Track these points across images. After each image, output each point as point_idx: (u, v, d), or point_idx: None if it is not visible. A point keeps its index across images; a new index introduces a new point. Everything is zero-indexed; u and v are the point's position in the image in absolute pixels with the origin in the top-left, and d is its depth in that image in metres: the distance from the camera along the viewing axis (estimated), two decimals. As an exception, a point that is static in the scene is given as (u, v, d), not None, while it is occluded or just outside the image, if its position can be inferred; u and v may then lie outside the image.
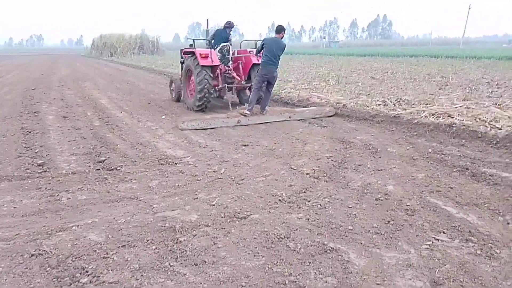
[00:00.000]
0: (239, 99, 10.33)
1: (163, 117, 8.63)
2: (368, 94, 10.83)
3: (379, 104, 9.24)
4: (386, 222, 3.44)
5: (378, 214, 3.60)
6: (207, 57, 8.74)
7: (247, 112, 8.11)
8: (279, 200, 3.92)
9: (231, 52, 9.71)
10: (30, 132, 7.16)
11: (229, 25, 9.93)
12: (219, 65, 9.17)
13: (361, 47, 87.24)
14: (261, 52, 8.16)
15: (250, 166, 5.10)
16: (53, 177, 4.73)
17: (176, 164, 5.22)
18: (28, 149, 6.05)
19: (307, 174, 4.77)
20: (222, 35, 9.77)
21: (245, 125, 7.89)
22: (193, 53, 8.99)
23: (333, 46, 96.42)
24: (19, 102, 10.81)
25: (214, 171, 4.89)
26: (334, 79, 15.11)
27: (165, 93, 12.57)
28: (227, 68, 9.53)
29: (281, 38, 8.10)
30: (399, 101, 9.39)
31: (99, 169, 5.06)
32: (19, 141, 6.46)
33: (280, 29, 8.08)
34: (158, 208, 3.76)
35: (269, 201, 3.89)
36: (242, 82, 9.52)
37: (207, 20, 11.27)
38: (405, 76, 16.02)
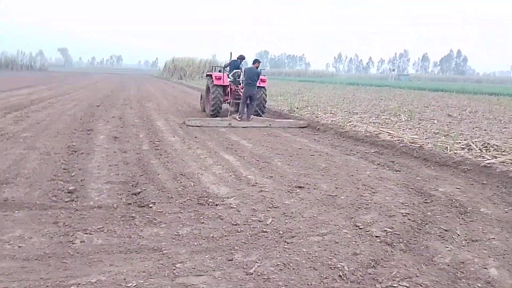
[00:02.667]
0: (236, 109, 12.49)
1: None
2: (447, 135, 9.48)
3: (462, 148, 7.91)
4: (498, 336, 2.34)
5: (482, 319, 2.50)
6: (220, 78, 12.07)
7: (238, 118, 11.25)
8: (339, 276, 2.94)
9: (241, 77, 12.08)
10: (75, 151, 6.80)
11: (241, 57, 12.89)
12: (229, 85, 12.30)
13: (433, 81, 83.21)
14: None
15: (304, 218, 4.16)
16: (76, 210, 4.13)
17: (216, 205, 4.42)
18: (65, 171, 5.60)
19: (377, 237, 3.74)
20: (235, 64, 12.66)
21: (234, 127, 10.60)
22: (211, 76, 12.56)
23: (403, 79, 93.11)
24: (78, 119, 10.81)
25: (259, 221, 4.02)
26: (405, 114, 13.78)
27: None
28: (236, 88, 12.21)
29: (256, 67, 11.28)
30: (486, 146, 7.99)
31: (130, 204, 4.41)
32: (60, 161, 6.07)
33: (254, 61, 11.47)
34: (181, 270, 2.94)
35: (325, 277, 2.92)
36: None
37: (231, 53, 13.28)
38: (487, 116, 14.22)
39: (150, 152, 7.07)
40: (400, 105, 18.11)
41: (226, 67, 12.96)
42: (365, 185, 5.52)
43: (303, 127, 11.18)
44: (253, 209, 4.36)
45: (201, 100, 14.50)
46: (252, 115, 11.45)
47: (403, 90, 35.01)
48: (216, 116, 11.87)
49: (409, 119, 12.58)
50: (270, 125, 11.06)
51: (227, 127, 10.51)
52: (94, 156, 6.59)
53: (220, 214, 4.16)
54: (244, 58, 13.08)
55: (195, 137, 8.71)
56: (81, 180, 5.20)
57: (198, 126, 10.27)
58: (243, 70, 11.96)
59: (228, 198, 4.69)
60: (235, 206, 4.41)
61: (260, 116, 12.12)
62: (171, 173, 5.72)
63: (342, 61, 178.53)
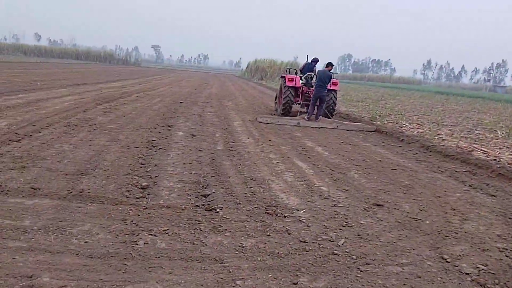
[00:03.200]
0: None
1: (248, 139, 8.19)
2: (556, 158, 8.24)
3: None
4: None
5: None
6: (292, 80, 12.47)
7: (306, 118, 11.74)
8: (420, 321, 2.52)
9: (313, 79, 12.54)
10: (154, 147, 6.98)
11: (314, 60, 13.26)
12: (301, 87, 12.67)
13: (536, 95, 74.75)
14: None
15: (382, 242, 3.73)
16: (145, 208, 4.12)
17: (284, 217, 4.16)
18: (142, 166, 5.73)
19: (467, 274, 3.22)
20: (309, 67, 13.06)
21: (302, 126, 11.18)
22: (284, 77, 12.92)
23: (499, 91, 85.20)
24: (161, 114, 11.20)
25: (331, 240, 3.68)
26: (503, 130, 12.36)
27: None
28: (308, 90, 12.65)
29: (329, 70, 11.73)
30: None
31: (198, 206, 4.32)
32: (138, 156, 6.24)
33: (328, 64, 11.98)
34: (241, 288, 2.73)
35: (403, 320, 2.52)
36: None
37: (307, 56, 13.81)
38: None
39: (224, 152, 7.01)
40: (496, 119, 16.39)
41: (301, 69, 13.43)
42: (454, 210, 4.89)
43: (372, 131, 11.52)
44: (324, 225, 4.02)
45: (275, 100, 15.00)
46: (320, 116, 11.90)
47: (499, 104, 31.87)
48: (286, 116, 12.45)
49: (507, 136, 11.25)
50: (337, 126, 11.52)
51: (295, 126, 11.16)
52: (170, 152, 6.69)
53: (288, 227, 3.89)
54: (318, 61, 13.34)
55: (269, 140, 8.53)
56: (155, 177, 5.25)
57: (268, 123, 11.13)
58: (316, 73, 12.49)
59: (297, 210, 4.40)
60: (304, 220, 4.11)
61: (329, 118, 12.50)
62: (242, 176, 5.57)
63: (432, 68, 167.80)
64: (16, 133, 6.84)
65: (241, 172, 5.82)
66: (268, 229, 3.81)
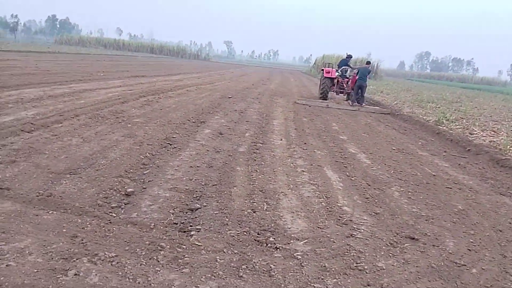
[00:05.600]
0: (347, 98, 16.76)
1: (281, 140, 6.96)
2: None
3: None
4: None
5: None
6: (329, 72, 15.91)
7: (350, 103, 15.15)
8: None
9: (348, 72, 16.19)
10: (169, 144, 6.34)
11: (349, 56, 16.74)
12: (336, 78, 16.13)
13: None
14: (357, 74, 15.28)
15: (397, 301, 2.67)
16: (110, 222, 3.42)
17: (276, 249, 3.22)
18: (142, 167, 5.08)
19: None
20: (344, 62, 16.59)
21: (330, 107, 14.16)
22: (323, 70, 16.46)
23: None
24: (200, 109, 10.62)
25: (324, 292, 2.69)
26: None
27: (351, 123, 10.59)
28: (342, 81, 16.20)
29: (368, 67, 15.47)
30: None
31: (175, 224, 3.54)
32: (145, 154, 5.62)
33: (367, 62, 16.39)
34: None
35: None
36: (347, 90, 16.30)
37: (346, 53, 17.03)
38: None
39: (244, 155, 6.17)
40: None
41: (338, 64, 16.97)
42: (519, 253, 3.62)
43: (386, 114, 14.23)
44: (324, 266, 3.02)
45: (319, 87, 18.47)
46: (363, 103, 15.04)
47: None
48: (324, 99, 15.83)
49: None
50: (359, 109, 14.39)
51: (324, 107, 14.14)
52: (183, 152, 5.99)
53: (273, 266, 2.95)
54: (352, 57, 17.09)
55: (305, 143, 7.52)
56: (148, 181, 4.57)
57: (303, 104, 14.29)
58: (351, 67, 16.57)
59: (297, 239, 3.44)
60: (300, 256, 3.14)
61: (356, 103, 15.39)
62: (250, 187, 4.69)
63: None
64: (32, 124, 6.55)
65: (252, 181, 4.94)
66: (244, 266, 2.91)
